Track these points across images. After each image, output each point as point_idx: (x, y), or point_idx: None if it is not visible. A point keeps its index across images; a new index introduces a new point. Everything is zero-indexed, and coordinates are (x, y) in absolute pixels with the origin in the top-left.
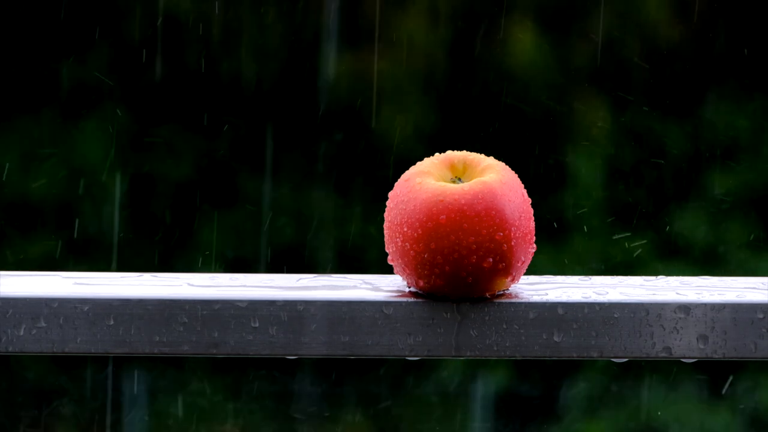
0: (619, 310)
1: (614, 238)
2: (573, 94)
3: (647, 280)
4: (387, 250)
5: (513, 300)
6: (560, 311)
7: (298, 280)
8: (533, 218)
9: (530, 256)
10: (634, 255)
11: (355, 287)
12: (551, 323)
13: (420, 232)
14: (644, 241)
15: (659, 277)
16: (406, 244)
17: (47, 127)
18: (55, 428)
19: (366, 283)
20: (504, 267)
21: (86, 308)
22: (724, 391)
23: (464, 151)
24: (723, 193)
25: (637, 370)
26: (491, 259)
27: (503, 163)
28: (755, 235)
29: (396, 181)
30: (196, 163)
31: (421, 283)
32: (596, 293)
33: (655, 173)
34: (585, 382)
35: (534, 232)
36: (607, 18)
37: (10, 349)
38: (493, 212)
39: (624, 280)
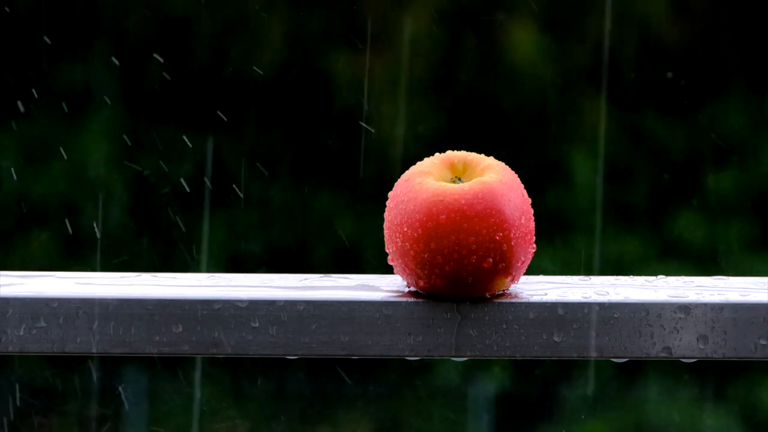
0: (619, 310)
1: (614, 237)
2: (573, 93)
3: (647, 280)
4: (387, 250)
5: (513, 300)
6: (560, 311)
7: (298, 280)
8: (533, 218)
9: (530, 256)
10: (634, 255)
11: (355, 287)
12: (551, 323)
13: (420, 232)
14: (644, 241)
15: (659, 277)
16: (406, 244)
17: (48, 126)
18: (55, 428)
19: (366, 283)
20: (504, 267)
21: (86, 308)
22: (724, 392)
23: (464, 151)
24: (723, 193)
25: (637, 370)
26: (491, 259)
27: (503, 163)
28: (755, 235)
29: (396, 181)
30: (196, 163)
31: (421, 283)
32: (596, 293)
33: (654, 173)
34: (585, 382)
35: (534, 232)
36: (608, 17)
37: (10, 349)
38: (493, 212)
39: (624, 280)
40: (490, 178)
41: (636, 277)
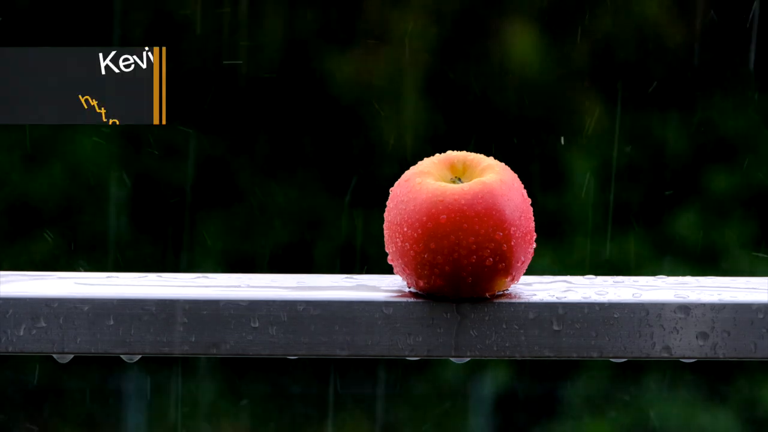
0: (619, 310)
1: (613, 237)
2: (572, 93)
3: (647, 280)
4: (387, 250)
5: (513, 300)
6: (560, 311)
7: (298, 281)
8: (533, 218)
9: (530, 256)
10: (634, 255)
11: (355, 287)
12: (551, 323)
13: (420, 232)
14: (644, 241)
15: (659, 277)
16: (406, 244)
17: (48, 126)
18: (55, 428)
19: (366, 283)
20: (504, 267)
21: (86, 308)
22: (724, 391)
23: (464, 151)
24: (722, 193)
25: (638, 370)
26: (491, 259)
27: (503, 164)
28: (755, 235)
29: (396, 181)
30: (197, 163)
31: (421, 283)
32: (596, 293)
33: (654, 173)
34: (585, 382)
35: (534, 232)
36: (607, 17)
37: (10, 349)
38: (493, 212)
39: (624, 280)
40: (489, 178)
41: (636, 277)
